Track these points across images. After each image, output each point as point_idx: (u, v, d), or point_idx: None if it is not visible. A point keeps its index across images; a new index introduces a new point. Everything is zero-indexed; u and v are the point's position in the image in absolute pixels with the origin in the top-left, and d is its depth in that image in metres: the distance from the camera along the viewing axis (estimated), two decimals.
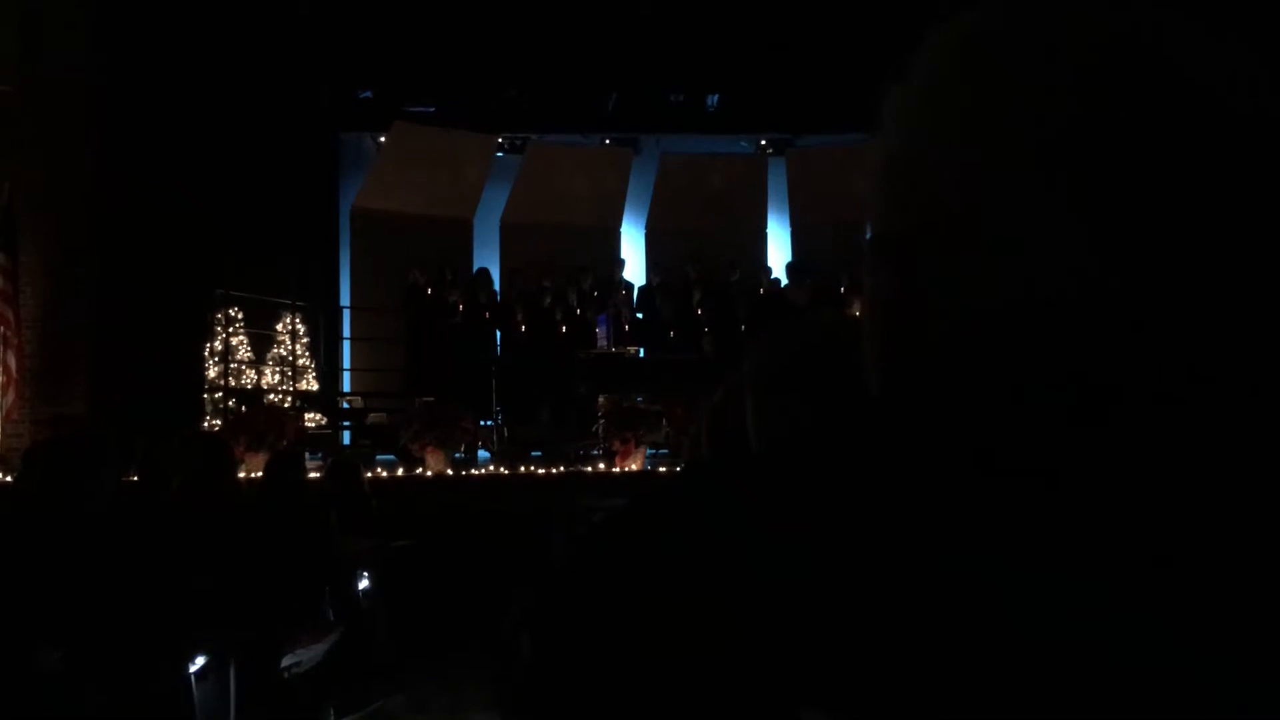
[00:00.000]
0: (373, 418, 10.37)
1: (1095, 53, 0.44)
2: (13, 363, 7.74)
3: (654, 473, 7.82)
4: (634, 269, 12.28)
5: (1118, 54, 0.44)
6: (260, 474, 5.28)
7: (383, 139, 12.47)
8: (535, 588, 0.49)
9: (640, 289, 11.64)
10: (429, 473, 7.77)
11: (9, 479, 6.48)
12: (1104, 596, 0.40)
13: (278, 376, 10.65)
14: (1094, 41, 0.45)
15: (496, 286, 11.34)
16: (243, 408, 9.03)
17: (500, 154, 12.88)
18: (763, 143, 13.32)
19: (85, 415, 7.99)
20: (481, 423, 9.01)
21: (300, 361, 10.87)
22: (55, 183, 8.19)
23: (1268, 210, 0.43)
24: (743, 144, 13.46)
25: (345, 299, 11.97)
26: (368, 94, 12.22)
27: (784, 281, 11.44)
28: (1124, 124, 0.43)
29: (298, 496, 4.74)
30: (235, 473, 4.62)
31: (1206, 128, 0.43)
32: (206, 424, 8.92)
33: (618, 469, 7.92)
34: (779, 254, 12.79)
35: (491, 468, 8.20)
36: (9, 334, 7.71)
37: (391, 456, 8.58)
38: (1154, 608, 0.40)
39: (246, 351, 10.31)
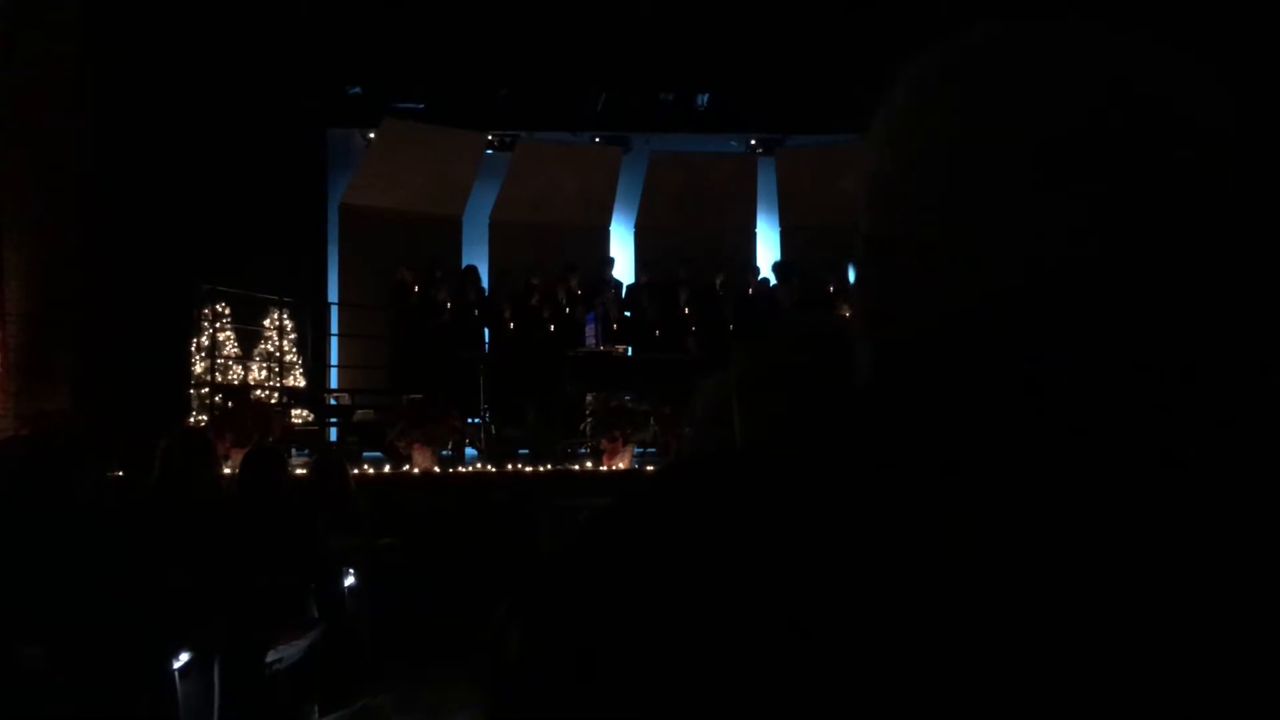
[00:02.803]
0: (359, 414, 10.34)
1: (1077, 83, 0.48)
2: None
3: (641, 472, 7.82)
4: (623, 268, 12.29)
5: (1096, 83, 0.48)
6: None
7: (371, 135, 12.43)
8: (524, 582, 0.50)
9: (628, 288, 11.64)
10: (416, 470, 7.76)
11: None
12: (1092, 594, 0.41)
13: (264, 372, 10.61)
14: (1075, 73, 0.49)
15: (485, 284, 11.32)
16: (229, 403, 8.98)
17: (489, 151, 12.85)
18: (752, 142, 13.33)
19: (70, 410, 7.95)
20: (469, 420, 9.00)
21: (287, 357, 10.83)
22: (40, 177, 8.14)
23: (1230, 211, 0.46)
24: (732, 144, 13.46)
25: (333, 295, 11.93)
26: (357, 90, 12.18)
27: (772, 281, 11.46)
28: (1105, 143, 0.47)
29: (277, 493, 4.72)
30: (215, 468, 4.58)
31: (1172, 142, 0.47)
32: (193, 419, 8.89)
33: (605, 468, 7.92)
34: (767, 254, 12.81)
35: (478, 465, 8.19)
36: None
37: (378, 453, 8.56)
38: (1142, 606, 0.41)
39: (233, 347, 10.27)
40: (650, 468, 7.88)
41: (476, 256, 12.17)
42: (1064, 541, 0.42)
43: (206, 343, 9.68)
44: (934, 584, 0.41)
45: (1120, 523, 0.42)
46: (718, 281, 11.42)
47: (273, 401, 9.87)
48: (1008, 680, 0.40)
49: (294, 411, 10.07)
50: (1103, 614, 0.41)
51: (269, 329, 10.68)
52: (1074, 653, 0.40)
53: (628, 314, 11.03)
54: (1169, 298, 0.45)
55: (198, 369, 9.65)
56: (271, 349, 10.69)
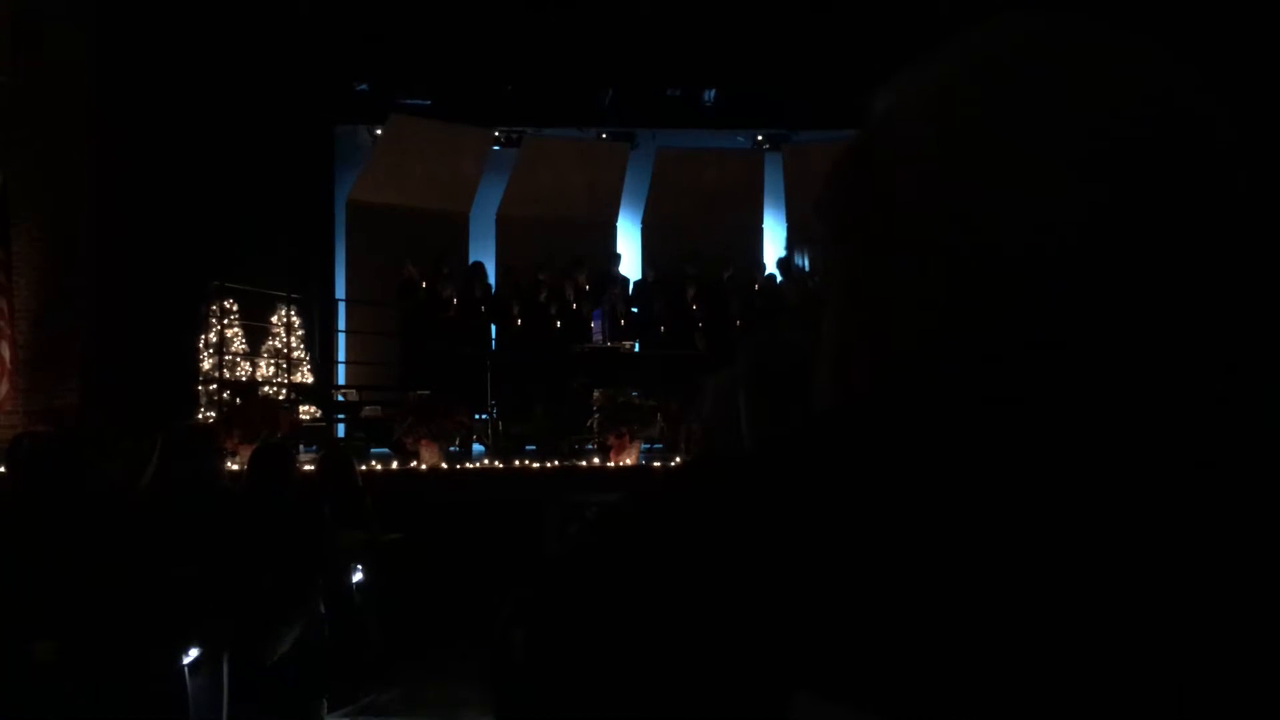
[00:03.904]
0: (367, 411, 10.35)
1: (1087, 84, 0.48)
2: (6, 353, 7.71)
3: (648, 468, 7.82)
4: (630, 264, 12.29)
5: (1107, 85, 0.48)
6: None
7: (379, 131, 12.44)
8: (530, 581, 0.50)
9: (635, 284, 11.64)
10: (423, 466, 7.77)
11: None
12: (1097, 596, 0.41)
13: (272, 369, 10.64)
14: (1085, 74, 0.48)
15: (492, 280, 11.33)
16: (237, 400, 9.01)
17: (497, 147, 12.86)
18: (759, 138, 13.31)
19: (79, 406, 7.98)
20: (476, 416, 9.01)
21: (295, 354, 10.86)
22: (50, 173, 8.17)
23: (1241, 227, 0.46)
24: (739, 139, 13.45)
25: (340, 292, 11.95)
26: (364, 86, 12.18)
27: (778, 278, 11.45)
28: (1110, 146, 0.46)
29: (284, 489, 4.72)
30: (216, 463, 4.57)
31: (1182, 146, 0.47)
32: (201, 416, 8.92)
33: (612, 464, 7.93)
34: (774, 250, 12.81)
35: (485, 462, 8.20)
36: (3, 324, 7.69)
37: (386, 449, 8.58)
38: (1137, 604, 0.41)
39: (241, 343, 10.30)
40: (657, 464, 7.88)
41: (483, 252, 12.18)
42: (1072, 546, 0.42)
43: (215, 339, 9.71)
44: (946, 589, 0.41)
45: (1124, 525, 0.42)
46: (725, 277, 11.42)
47: (280, 398, 9.89)
48: (1015, 683, 0.40)
49: (302, 408, 10.09)
50: (1106, 617, 0.41)
51: (277, 325, 10.70)
52: (1076, 655, 0.40)
53: (635, 310, 11.03)
54: (1172, 301, 0.45)
55: (206, 365, 9.68)
56: (279, 345, 10.72)
